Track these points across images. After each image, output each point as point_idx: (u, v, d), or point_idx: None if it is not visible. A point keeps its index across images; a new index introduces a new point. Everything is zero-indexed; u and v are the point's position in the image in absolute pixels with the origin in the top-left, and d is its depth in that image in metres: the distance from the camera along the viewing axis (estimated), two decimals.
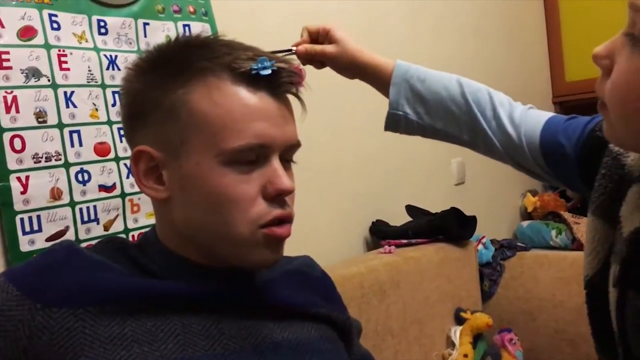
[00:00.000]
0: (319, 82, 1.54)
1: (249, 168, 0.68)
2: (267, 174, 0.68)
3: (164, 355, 0.65)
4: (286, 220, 0.70)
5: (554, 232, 2.15)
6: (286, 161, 0.72)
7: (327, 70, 1.57)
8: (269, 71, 0.67)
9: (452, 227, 1.62)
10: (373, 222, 1.69)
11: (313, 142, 1.52)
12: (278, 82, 0.69)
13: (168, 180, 0.69)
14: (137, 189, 1.12)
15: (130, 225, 1.12)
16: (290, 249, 0.85)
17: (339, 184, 1.60)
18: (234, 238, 0.68)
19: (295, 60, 0.70)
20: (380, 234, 1.65)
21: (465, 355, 1.49)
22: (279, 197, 0.69)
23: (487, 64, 2.28)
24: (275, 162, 0.69)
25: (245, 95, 0.68)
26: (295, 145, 0.72)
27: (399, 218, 1.71)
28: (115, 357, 0.63)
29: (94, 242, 1.01)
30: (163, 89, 0.68)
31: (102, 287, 0.66)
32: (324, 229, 1.53)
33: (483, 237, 1.81)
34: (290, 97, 0.74)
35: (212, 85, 0.67)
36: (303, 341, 0.76)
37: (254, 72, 0.67)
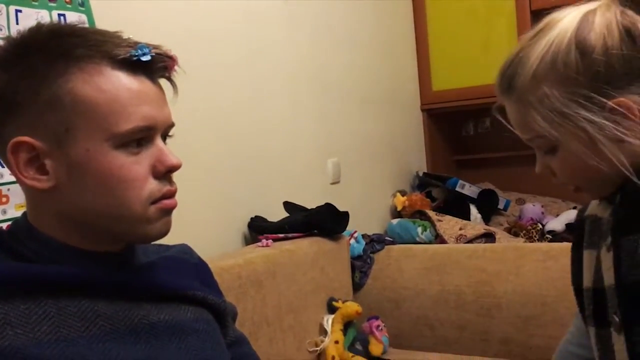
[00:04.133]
0: (200, 79, 1.58)
1: (137, 150, 0.71)
2: (155, 154, 0.73)
3: (38, 337, 0.66)
4: (174, 194, 0.76)
5: (420, 229, 2.33)
6: (163, 140, 0.76)
7: (209, 67, 1.61)
8: (148, 57, 0.71)
9: (327, 221, 1.72)
10: (252, 218, 1.74)
11: (194, 139, 1.55)
12: (154, 67, 0.73)
13: (53, 169, 0.70)
14: (5, 179, 1.09)
15: None
16: (168, 240, 0.88)
17: (218, 181, 1.64)
18: (129, 217, 0.72)
19: (164, 45, 0.75)
20: (259, 229, 1.70)
21: (336, 342, 1.58)
22: (168, 173, 0.74)
23: (361, 72, 2.42)
24: (160, 142, 0.74)
25: (128, 81, 0.71)
26: (171, 125, 0.77)
27: (277, 214, 1.77)
28: None
29: None
30: (39, 79, 0.69)
31: None
32: (202, 223, 1.56)
33: (355, 232, 1.92)
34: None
35: (93, 72, 0.69)
36: (179, 322, 0.80)
37: (134, 58, 0.70)
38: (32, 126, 0.69)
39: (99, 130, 0.69)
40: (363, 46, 2.45)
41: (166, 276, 0.83)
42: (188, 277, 0.88)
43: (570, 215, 2.63)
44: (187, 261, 0.92)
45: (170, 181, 0.75)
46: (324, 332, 1.61)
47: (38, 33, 0.72)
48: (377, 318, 1.73)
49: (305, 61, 2.06)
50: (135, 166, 0.71)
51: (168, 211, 0.75)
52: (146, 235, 0.75)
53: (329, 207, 1.74)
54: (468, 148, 3.25)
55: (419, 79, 2.90)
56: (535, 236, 2.44)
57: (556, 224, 2.57)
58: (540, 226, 2.54)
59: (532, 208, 2.73)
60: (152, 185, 0.72)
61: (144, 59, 0.71)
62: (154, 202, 0.73)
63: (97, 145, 0.69)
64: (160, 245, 0.91)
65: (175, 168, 0.74)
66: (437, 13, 2.85)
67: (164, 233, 0.76)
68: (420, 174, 2.82)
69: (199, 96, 1.55)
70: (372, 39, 2.53)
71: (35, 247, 0.72)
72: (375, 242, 1.95)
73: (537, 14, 2.68)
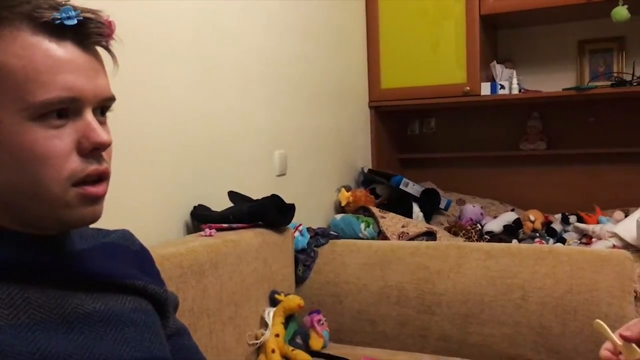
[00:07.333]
0: (145, 56, 1.51)
1: (60, 123, 0.65)
2: (81, 129, 0.67)
3: None
4: (103, 177, 0.69)
5: (363, 225, 2.33)
6: (101, 115, 0.70)
7: (155, 52, 1.55)
8: (74, 21, 0.65)
9: (272, 213, 1.68)
10: (195, 207, 1.68)
11: (137, 120, 1.48)
12: (85, 33, 0.67)
13: None
14: None
15: None
16: (107, 225, 0.83)
17: (161, 166, 1.58)
18: (46, 198, 0.65)
19: (103, 11, 0.68)
20: (202, 218, 1.65)
21: (277, 335, 1.56)
22: (95, 151, 0.67)
23: (312, 66, 2.40)
24: (89, 116, 0.67)
25: (49, 46, 0.65)
26: (109, 99, 0.71)
27: (221, 204, 1.73)
28: None
29: None
30: None
31: None
32: (143, 209, 1.50)
33: (300, 225, 1.90)
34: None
35: (9, 36, 0.64)
36: (116, 312, 0.76)
37: (57, 21, 0.64)
38: None
39: (13, 99, 0.63)
40: (315, 40, 2.43)
41: (103, 264, 0.79)
42: (127, 265, 0.84)
43: (507, 217, 2.71)
44: (127, 248, 0.87)
45: (98, 159, 0.68)
46: (264, 324, 1.58)
47: None
48: (318, 312, 1.71)
49: (257, 50, 2.02)
50: (54, 141, 0.65)
51: (92, 199, 0.68)
52: (66, 220, 0.68)
53: (274, 199, 1.71)
54: (413, 147, 3.30)
55: (368, 75, 2.91)
56: (474, 236, 2.49)
57: (494, 225, 2.64)
58: (479, 227, 2.60)
59: (471, 209, 2.80)
60: (75, 164, 0.66)
61: (68, 22, 0.65)
62: (77, 183, 0.66)
63: (10, 116, 0.63)
64: (99, 230, 0.86)
65: (103, 145, 0.68)
66: (389, 11, 2.87)
67: (88, 221, 0.70)
68: (366, 170, 2.83)
69: (143, 74, 1.48)
70: (325, 34, 2.51)
71: None
72: (319, 236, 1.94)
73: (486, 19, 2.74)
